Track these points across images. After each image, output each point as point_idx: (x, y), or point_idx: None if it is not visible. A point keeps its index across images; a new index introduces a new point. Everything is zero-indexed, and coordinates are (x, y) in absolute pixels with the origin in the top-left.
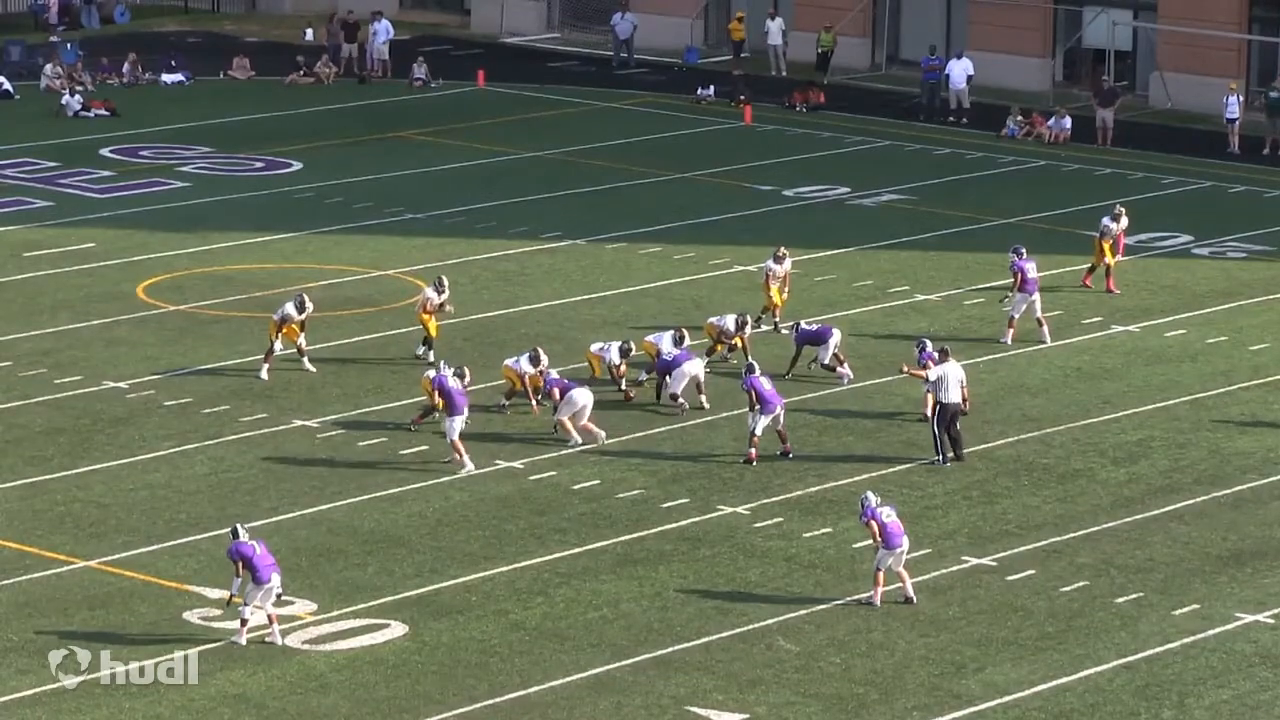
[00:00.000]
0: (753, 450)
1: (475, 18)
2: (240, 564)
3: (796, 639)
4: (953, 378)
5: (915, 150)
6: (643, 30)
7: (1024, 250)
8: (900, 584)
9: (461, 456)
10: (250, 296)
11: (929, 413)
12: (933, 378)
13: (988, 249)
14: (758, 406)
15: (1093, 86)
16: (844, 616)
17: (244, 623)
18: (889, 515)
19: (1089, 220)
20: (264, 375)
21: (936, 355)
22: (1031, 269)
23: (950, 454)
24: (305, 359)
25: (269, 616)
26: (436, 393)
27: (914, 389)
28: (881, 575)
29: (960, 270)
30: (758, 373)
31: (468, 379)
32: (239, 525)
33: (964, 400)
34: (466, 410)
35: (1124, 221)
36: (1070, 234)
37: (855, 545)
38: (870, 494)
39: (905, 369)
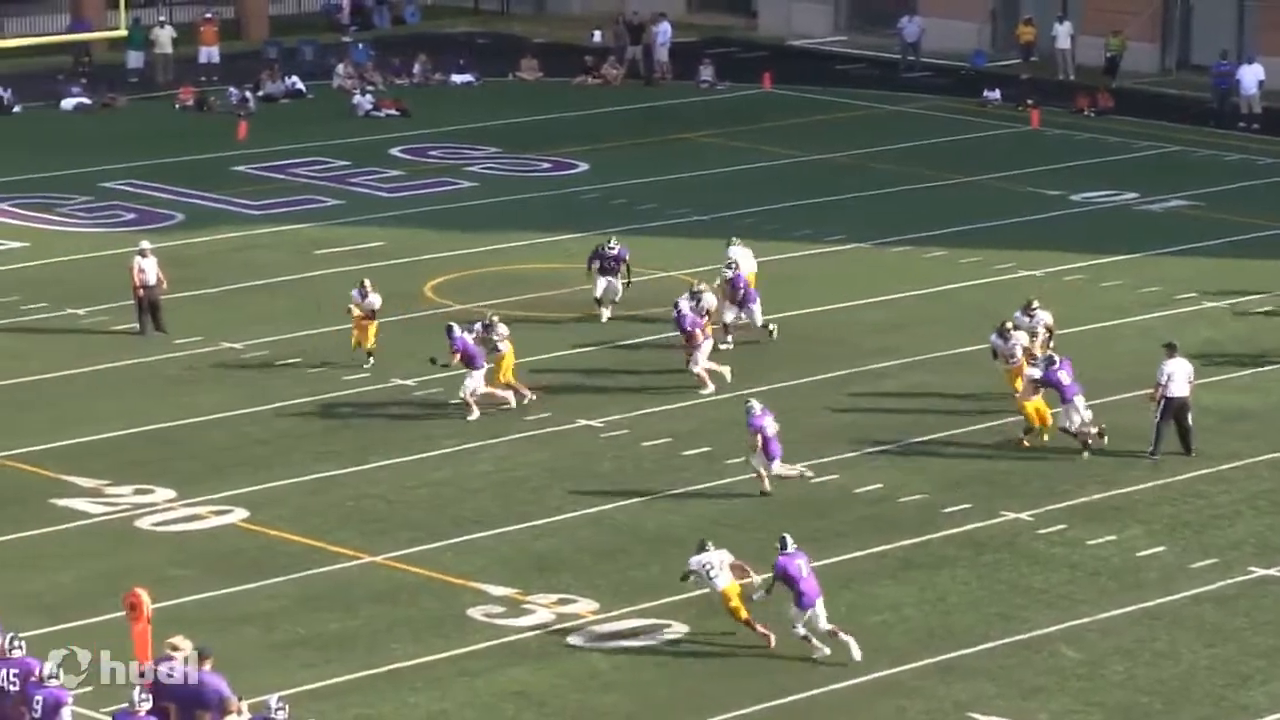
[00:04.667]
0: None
1: (762, 20)
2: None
3: (1079, 647)
4: (1180, 372)
5: (1205, 156)
6: (930, 34)
7: None
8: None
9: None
10: (535, 296)
11: (1154, 405)
12: (1162, 377)
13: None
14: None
15: None
16: (1128, 625)
17: (806, 639)
18: (771, 426)
19: None
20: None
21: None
22: None
23: (1155, 450)
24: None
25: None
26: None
27: (1207, 397)
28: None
29: (1250, 278)
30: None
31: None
32: (786, 536)
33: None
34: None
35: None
36: None
37: (1139, 554)
38: (754, 402)
39: None
